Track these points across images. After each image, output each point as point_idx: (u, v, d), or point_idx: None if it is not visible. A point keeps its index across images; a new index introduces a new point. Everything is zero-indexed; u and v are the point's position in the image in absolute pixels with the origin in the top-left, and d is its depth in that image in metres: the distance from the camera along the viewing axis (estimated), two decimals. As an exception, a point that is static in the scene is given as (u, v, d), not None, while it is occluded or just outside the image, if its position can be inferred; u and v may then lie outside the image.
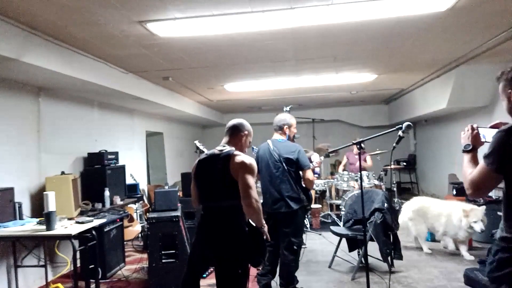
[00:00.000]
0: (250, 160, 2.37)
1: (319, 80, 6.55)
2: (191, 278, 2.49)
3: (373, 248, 4.13)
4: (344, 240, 4.58)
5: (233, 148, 2.47)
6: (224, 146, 2.49)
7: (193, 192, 2.58)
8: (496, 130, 1.78)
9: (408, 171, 10.84)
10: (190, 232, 4.28)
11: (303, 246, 5.43)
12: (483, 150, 1.76)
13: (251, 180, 2.30)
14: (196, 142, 3.15)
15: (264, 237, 2.37)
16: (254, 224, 2.34)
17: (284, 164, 3.56)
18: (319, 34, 4.00)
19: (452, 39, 4.37)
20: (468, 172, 1.75)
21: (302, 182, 3.65)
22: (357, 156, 7.13)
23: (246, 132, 2.60)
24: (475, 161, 1.80)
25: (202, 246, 2.44)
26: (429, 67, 5.96)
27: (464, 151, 1.86)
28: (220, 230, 2.36)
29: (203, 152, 2.96)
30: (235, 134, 2.56)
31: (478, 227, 4.54)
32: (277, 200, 3.59)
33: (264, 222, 2.37)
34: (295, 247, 3.57)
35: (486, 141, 1.86)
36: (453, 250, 5.01)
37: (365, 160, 6.99)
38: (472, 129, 1.91)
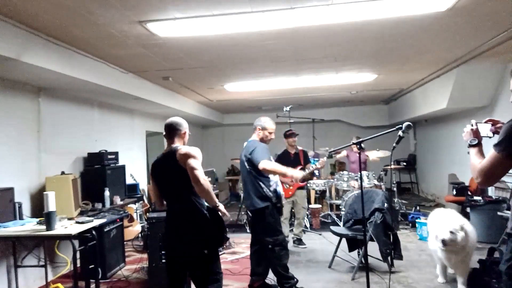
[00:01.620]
0: (192, 148, 2.62)
1: (319, 80, 6.55)
2: (175, 284, 2.76)
3: (373, 248, 4.12)
4: (344, 240, 4.57)
5: (178, 145, 2.71)
6: (170, 147, 2.72)
7: (154, 194, 2.83)
8: (490, 124, 2.04)
9: (408, 171, 10.84)
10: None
11: (302, 246, 5.48)
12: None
13: (195, 163, 2.53)
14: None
15: (221, 214, 2.63)
16: (211, 207, 2.61)
17: (246, 164, 3.64)
18: (319, 34, 4.00)
19: (452, 39, 4.37)
20: (477, 162, 1.85)
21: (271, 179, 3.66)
22: (358, 154, 7.15)
23: (184, 130, 2.80)
24: (481, 154, 1.91)
25: (172, 239, 2.67)
26: (429, 67, 5.96)
27: (470, 146, 1.98)
28: (183, 219, 2.61)
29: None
30: (174, 133, 2.76)
31: (441, 235, 3.47)
32: (246, 198, 3.73)
33: (217, 200, 2.62)
34: (270, 246, 3.58)
35: (482, 136, 2.02)
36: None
37: (367, 156, 6.95)
38: (472, 125, 2.06)
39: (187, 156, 2.56)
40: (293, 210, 5.70)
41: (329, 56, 4.96)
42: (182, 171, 2.54)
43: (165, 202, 2.80)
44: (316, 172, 7.92)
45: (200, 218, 2.58)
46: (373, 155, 6.95)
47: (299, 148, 5.68)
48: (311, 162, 5.88)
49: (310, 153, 7.65)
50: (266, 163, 3.50)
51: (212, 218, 2.61)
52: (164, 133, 2.81)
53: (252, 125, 3.84)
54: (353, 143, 3.28)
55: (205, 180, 2.50)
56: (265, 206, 3.58)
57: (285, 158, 5.46)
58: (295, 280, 3.72)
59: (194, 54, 4.61)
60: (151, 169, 2.80)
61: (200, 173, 2.50)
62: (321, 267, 4.59)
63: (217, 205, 2.61)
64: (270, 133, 3.78)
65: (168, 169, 2.64)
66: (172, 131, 2.77)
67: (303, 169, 5.40)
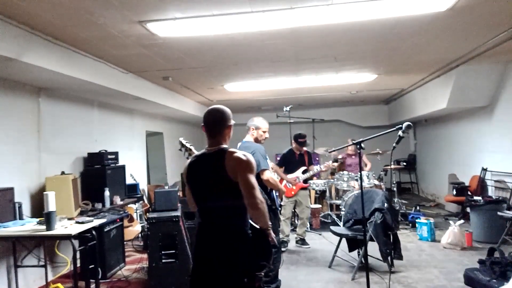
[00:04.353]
0: (247, 156, 2.10)
1: (319, 80, 6.55)
2: None
3: (373, 248, 4.12)
4: (344, 240, 4.57)
5: (225, 145, 2.19)
6: (215, 146, 2.18)
7: (188, 197, 2.32)
8: None
9: (408, 171, 10.84)
10: (190, 232, 4.28)
11: (305, 246, 5.48)
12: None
13: (253, 178, 2.06)
14: (181, 139, 2.76)
15: (270, 239, 2.16)
16: (257, 226, 2.15)
17: None
18: (319, 34, 4.00)
19: (452, 39, 4.37)
20: None
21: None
22: (353, 157, 7.23)
23: (230, 123, 2.23)
24: None
25: (205, 260, 2.15)
26: (429, 67, 5.96)
27: None
28: (220, 236, 2.11)
29: (189, 149, 2.71)
30: (219, 127, 2.18)
31: None
32: None
33: (269, 223, 2.16)
34: None
35: None
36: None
37: (364, 164, 6.99)
38: None
39: (244, 166, 2.05)
40: (294, 210, 5.71)
41: (329, 56, 4.97)
42: (228, 180, 2.05)
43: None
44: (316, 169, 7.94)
45: (243, 241, 2.09)
46: (365, 161, 6.99)
47: (304, 148, 5.70)
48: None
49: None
50: (270, 176, 3.57)
51: (256, 239, 2.12)
52: (202, 124, 2.22)
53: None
54: (353, 143, 3.28)
55: (262, 202, 2.05)
56: None
57: (290, 158, 5.52)
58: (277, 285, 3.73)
59: (194, 54, 4.61)
60: (187, 170, 2.26)
61: (258, 193, 2.04)
62: (321, 267, 4.59)
63: (269, 228, 2.14)
64: (264, 132, 3.79)
65: (210, 173, 2.13)
66: (217, 124, 2.17)
67: (306, 170, 5.46)
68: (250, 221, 2.16)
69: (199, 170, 2.19)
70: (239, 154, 2.09)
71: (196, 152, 2.70)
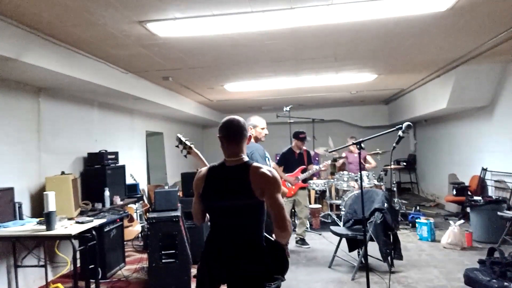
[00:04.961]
0: (273, 172, 2.04)
1: (319, 80, 6.55)
2: None
3: (373, 248, 4.13)
4: (344, 240, 4.58)
5: (247, 158, 2.14)
6: (236, 158, 2.11)
7: (196, 208, 2.18)
8: None
9: (408, 171, 10.84)
10: (190, 232, 4.28)
11: (305, 246, 5.49)
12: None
13: (281, 198, 2.00)
14: (180, 135, 2.57)
15: (286, 253, 2.13)
16: (272, 239, 2.08)
17: None
18: (319, 34, 4.00)
19: (452, 39, 4.37)
20: None
21: None
22: (356, 155, 7.23)
23: (250, 134, 2.27)
24: None
25: (213, 264, 2.08)
26: (429, 67, 5.96)
27: None
28: (236, 246, 2.04)
29: (189, 147, 2.57)
30: (239, 138, 2.13)
31: None
32: None
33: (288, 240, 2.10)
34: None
35: None
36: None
37: (365, 160, 6.99)
38: None
39: (272, 184, 1.98)
40: (293, 210, 5.71)
41: (329, 56, 4.97)
42: (252, 195, 1.97)
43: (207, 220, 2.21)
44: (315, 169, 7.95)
45: (259, 251, 2.04)
46: (371, 161, 7.01)
47: (304, 148, 5.72)
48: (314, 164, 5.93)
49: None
50: None
51: (271, 252, 2.07)
52: (220, 135, 2.15)
53: None
54: (353, 143, 3.29)
55: (289, 223, 2.00)
56: None
57: (289, 157, 5.56)
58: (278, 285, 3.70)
59: (194, 54, 4.61)
60: (205, 179, 2.12)
61: (286, 214, 1.99)
62: (321, 267, 4.59)
63: (287, 243, 2.14)
64: (262, 129, 3.75)
65: (232, 188, 2.04)
66: (237, 135, 2.12)
67: (305, 169, 5.47)
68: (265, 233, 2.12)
69: (220, 183, 2.08)
70: (265, 170, 2.02)
71: (197, 151, 2.67)
